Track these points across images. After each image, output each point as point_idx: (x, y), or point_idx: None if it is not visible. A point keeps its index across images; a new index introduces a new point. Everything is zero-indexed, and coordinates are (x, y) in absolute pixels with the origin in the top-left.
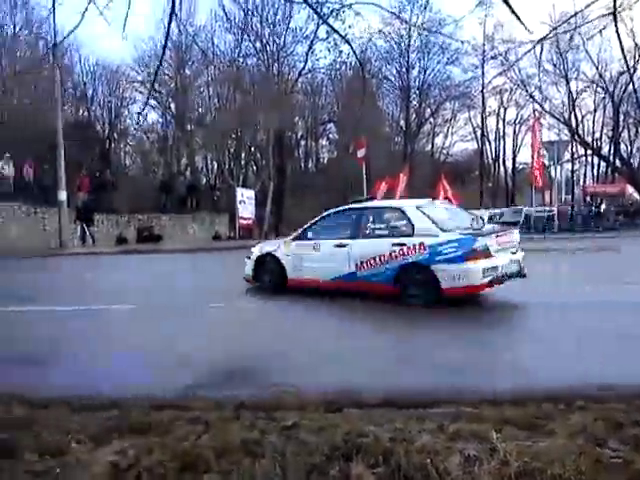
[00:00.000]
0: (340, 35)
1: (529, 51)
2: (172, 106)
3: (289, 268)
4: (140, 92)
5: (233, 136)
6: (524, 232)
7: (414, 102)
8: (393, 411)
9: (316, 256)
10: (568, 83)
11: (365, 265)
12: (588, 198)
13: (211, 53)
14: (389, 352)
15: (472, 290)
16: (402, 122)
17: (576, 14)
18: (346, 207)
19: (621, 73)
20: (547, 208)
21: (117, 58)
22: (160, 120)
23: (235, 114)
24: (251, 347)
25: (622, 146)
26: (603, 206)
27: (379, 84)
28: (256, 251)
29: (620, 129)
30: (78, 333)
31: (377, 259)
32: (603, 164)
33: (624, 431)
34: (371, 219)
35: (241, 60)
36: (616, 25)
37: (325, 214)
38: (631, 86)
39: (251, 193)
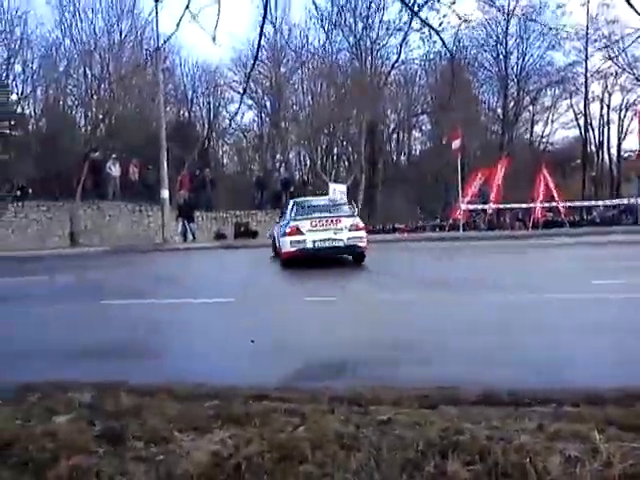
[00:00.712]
0: (431, 27)
1: (638, 38)
2: (267, 104)
3: None
4: (237, 92)
5: (326, 131)
6: (631, 224)
7: (512, 90)
8: (490, 409)
9: None
10: None
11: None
12: None
13: (305, 50)
14: None
15: (285, 255)
16: (499, 110)
17: None
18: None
19: None
20: None
21: (215, 59)
22: (256, 119)
23: (328, 109)
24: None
25: None
26: None
27: (475, 72)
28: None
29: None
30: (182, 324)
31: None
32: None
33: None
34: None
35: (334, 55)
36: None
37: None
38: None
39: (343, 187)
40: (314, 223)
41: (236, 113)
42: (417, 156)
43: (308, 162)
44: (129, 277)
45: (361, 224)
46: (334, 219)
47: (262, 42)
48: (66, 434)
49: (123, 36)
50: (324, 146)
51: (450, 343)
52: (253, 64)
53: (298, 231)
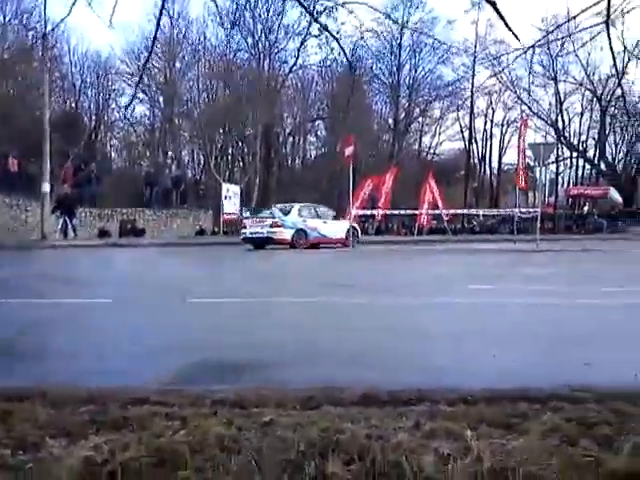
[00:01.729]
0: (330, 34)
1: (518, 56)
2: (160, 99)
3: None
4: (128, 84)
5: (221, 131)
6: (507, 233)
7: (403, 101)
8: (371, 408)
9: None
10: (557, 85)
11: None
12: (570, 200)
13: (202, 47)
14: None
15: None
16: (391, 120)
17: (568, 21)
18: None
19: (609, 76)
20: (531, 209)
21: (106, 49)
22: (147, 113)
23: (224, 108)
24: (233, 338)
25: (607, 149)
26: (586, 208)
27: (369, 82)
28: None
29: (607, 132)
30: (57, 324)
31: None
32: (587, 167)
33: (595, 431)
34: None
35: (232, 55)
36: (609, 34)
37: None
38: (619, 90)
39: (237, 189)
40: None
41: (128, 105)
42: (312, 160)
43: (202, 161)
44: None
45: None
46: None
47: (158, 35)
48: None
49: (7, 19)
50: (219, 145)
51: (332, 345)
52: (148, 57)
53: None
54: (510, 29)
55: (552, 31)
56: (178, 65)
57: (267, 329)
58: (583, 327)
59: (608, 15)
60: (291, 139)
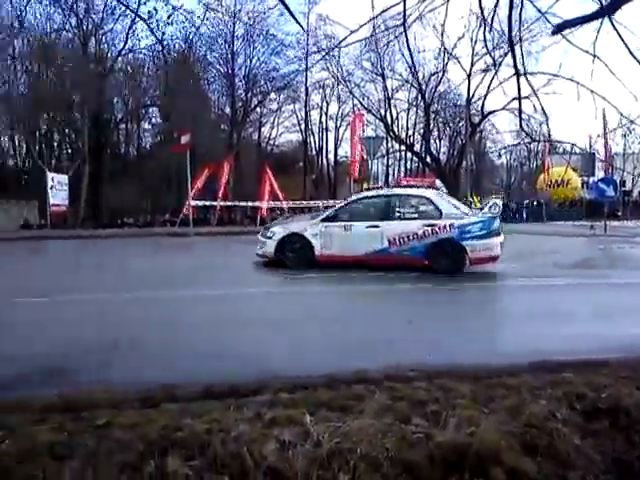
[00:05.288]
0: (139, 16)
1: (334, 48)
2: None
3: (318, 246)
4: None
5: (45, 116)
6: None
7: (240, 90)
8: (212, 402)
9: (348, 235)
10: (384, 81)
11: (397, 242)
12: None
13: (18, 23)
14: None
15: (491, 260)
16: (228, 110)
17: (373, 19)
18: (372, 194)
19: (432, 73)
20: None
21: None
22: None
23: (47, 91)
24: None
25: (432, 143)
26: None
27: (205, 70)
28: (279, 231)
29: (431, 127)
30: None
31: (409, 237)
32: (415, 159)
33: (425, 408)
34: (399, 205)
35: (53, 35)
36: (406, 37)
37: (350, 201)
38: (441, 87)
39: (64, 178)
40: None
41: None
42: (147, 149)
43: (24, 148)
44: None
45: None
46: None
47: None
48: None
49: None
50: (43, 132)
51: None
52: None
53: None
54: (297, 21)
55: (356, 30)
56: None
57: None
58: None
59: (404, 17)
60: (123, 126)
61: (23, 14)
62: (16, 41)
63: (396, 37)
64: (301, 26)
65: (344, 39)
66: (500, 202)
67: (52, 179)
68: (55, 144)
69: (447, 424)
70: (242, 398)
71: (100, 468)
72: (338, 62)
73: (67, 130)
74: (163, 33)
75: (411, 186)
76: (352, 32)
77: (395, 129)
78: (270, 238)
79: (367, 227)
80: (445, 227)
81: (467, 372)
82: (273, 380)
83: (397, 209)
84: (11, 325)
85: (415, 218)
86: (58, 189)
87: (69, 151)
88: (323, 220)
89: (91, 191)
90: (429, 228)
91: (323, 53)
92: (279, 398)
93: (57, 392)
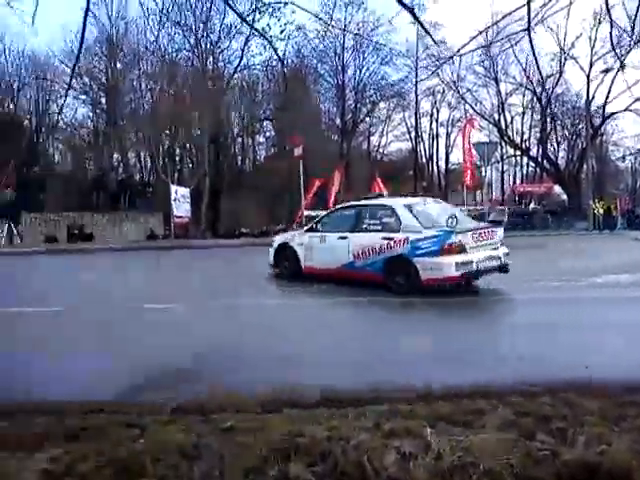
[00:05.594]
0: (260, 34)
1: (451, 57)
2: (103, 100)
3: (302, 257)
4: (68, 85)
5: (167, 132)
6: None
7: (350, 101)
8: (330, 410)
9: (323, 247)
10: (498, 85)
11: (361, 256)
12: (517, 198)
13: (144, 47)
14: None
15: (446, 281)
16: (338, 120)
17: (494, 24)
18: (347, 204)
19: (548, 76)
20: (479, 207)
21: (44, 50)
22: (90, 114)
23: (169, 109)
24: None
25: (550, 147)
26: (532, 205)
27: (315, 82)
28: (277, 240)
29: (548, 130)
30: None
31: (370, 251)
32: (532, 164)
33: (550, 424)
34: (367, 215)
35: (175, 55)
36: (530, 40)
37: (330, 210)
38: (558, 89)
39: (186, 191)
40: (477, 237)
41: (62, 107)
42: (261, 161)
43: (149, 163)
44: None
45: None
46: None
47: (92, 34)
48: None
49: None
50: (166, 147)
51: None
52: (77, 56)
53: (462, 249)
54: (428, 33)
55: (476, 36)
56: (119, 65)
57: None
58: None
59: (529, 21)
60: (240, 140)
61: (146, 38)
62: (141, 62)
63: (516, 43)
64: (420, 23)
65: (462, 47)
66: (461, 214)
67: (175, 192)
68: (177, 159)
69: (575, 441)
70: (360, 407)
71: (226, 470)
72: (449, 68)
73: (188, 145)
74: (276, 49)
75: (380, 195)
76: (472, 38)
77: (510, 134)
78: (271, 246)
79: (337, 239)
80: (400, 241)
81: (593, 389)
82: (390, 391)
83: (364, 220)
84: (141, 329)
85: (379, 230)
86: (181, 201)
87: (190, 165)
88: (307, 230)
89: (210, 203)
90: (386, 242)
91: (432, 60)
92: (398, 409)
93: (185, 395)
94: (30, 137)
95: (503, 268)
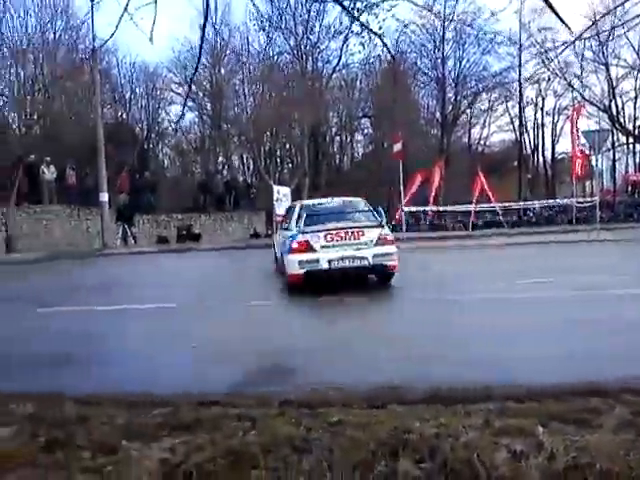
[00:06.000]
0: (372, 31)
1: (567, 47)
2: (208, 106)
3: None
4: (177, 93)
5: (268, 134)
6: (566, 223)
7: (450, 94)
8: (437, 407)
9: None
10: (608, 70)
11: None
12: (630, 187)
13: (246, 52)
14: None
15: (294, 278)
16: (438, 114)
17: (615, 8)
18: (291, 204)
19: None
20: (589, 198)
21: (154, 60)
22: (197, 120)
23: (270, 112)
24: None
25: None
26: None
27: (414, 76)
28: (275, 237)
29: None
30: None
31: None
32: None
33: None
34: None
35: (275, 58)
36: None
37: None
38: None
39: (287, 190)
40: (330, 237)
41: (180, 117)
42: (360, 159)
43: (251, 164)
44: (69, 283)
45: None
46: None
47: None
48: (9, 446)
49: (57, 36)
50: (267, 148)
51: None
52: (196, 68)
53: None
54: (562, 20)
55: (597, 20)
56: (223, 72)
57: None
58: None
59: None
60: (338, 138)
61: (248, 44)
62: (242, 68)
63: (629, 30)
64: (564, 23)
65: (584, 31)
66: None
67: (277, 192)
68: (278, 159)
69: None
70: (469, 404)
71: (335, 464)
72: (555, 56)
73: (288, 145)
74: (386, 44)
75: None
76: (588, 28)
77: (621, 120)
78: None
79: (281, 237)
80: (285, 240)
81: None
82: (499, 388)
83: (286, 219)
84: (247, 324)
85: (286, 229)
86: (283, 200)
87: (290, 165)
88: (281, 228)
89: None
90: (282, 240)
91: (538, 48)
92: (507, 407)
93: (293, 389)
94: (141, 144)
95: (376, 269)
